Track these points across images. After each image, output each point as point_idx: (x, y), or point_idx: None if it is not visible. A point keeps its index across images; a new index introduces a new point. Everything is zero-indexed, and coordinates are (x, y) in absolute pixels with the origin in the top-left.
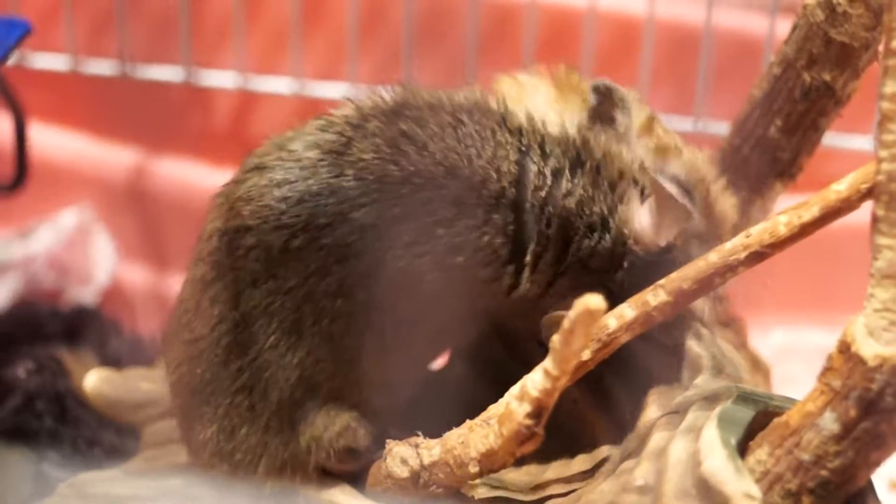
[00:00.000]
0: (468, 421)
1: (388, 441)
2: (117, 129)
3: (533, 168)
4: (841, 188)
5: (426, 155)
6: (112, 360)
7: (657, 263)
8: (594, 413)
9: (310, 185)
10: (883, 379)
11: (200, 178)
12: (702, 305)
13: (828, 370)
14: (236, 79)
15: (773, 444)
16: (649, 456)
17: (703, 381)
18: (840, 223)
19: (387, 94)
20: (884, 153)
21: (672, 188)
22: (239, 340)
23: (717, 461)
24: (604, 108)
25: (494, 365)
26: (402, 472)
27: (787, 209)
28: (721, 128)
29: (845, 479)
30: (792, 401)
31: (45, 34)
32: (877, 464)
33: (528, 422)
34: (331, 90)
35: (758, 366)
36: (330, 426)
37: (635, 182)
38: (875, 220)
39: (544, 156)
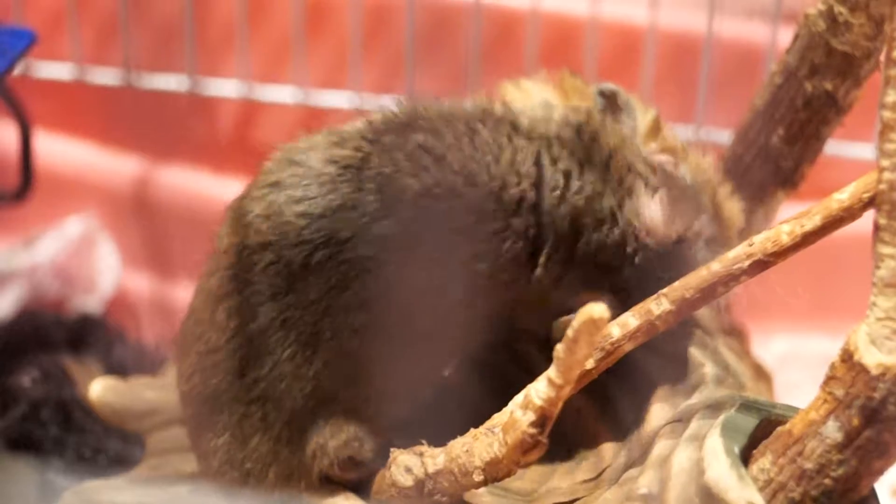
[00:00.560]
0: (472, 430)
1: (392, 450)
2: (122, 137)
3: (549, 170)
4: (843, 197)
5: (445, 166)
6: (117, 369)
7: (668, 259)
8: (598, 422)
9: (330, 200)
10: (886, 388)
11: (205, 187)
12: (705, 314)
13: (830, 379)
14: (240, 88)
15: (777, 452)
16: (653, 464)
17: (707, 390)
18: (843, 231)
19: (397, 107)
20: (885, 162)
21: (672, 181)
22: (255, 352)
23: (721, 470)
24: (609, 112)
25: (498, 373)
26: (407, 481)
27: (789, 218)
28: (723, 136)
29: (848, 487)
30: (795, 409)
31: (50, 43)
32: (880, 472)
33: (533, 430)
34: (334, 99)
35: (761, 374)
36: (336, 435)
37: (643, 176)
38: (877, 228)
39: (554, 157)
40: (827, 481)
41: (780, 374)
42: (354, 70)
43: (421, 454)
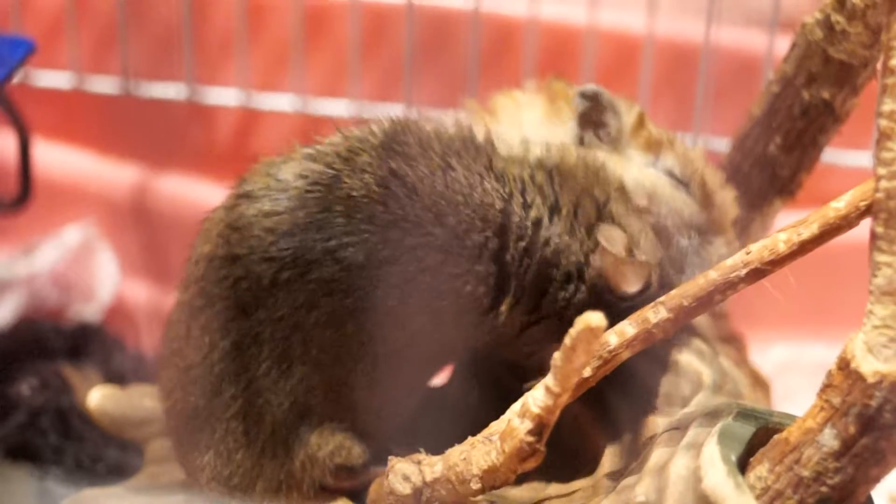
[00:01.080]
0: (470, 437)
1: (390, 458)
2: (120, 146)
3: (515, 218)
4: (840, 206)
5: (415, 199)
6: (115, 377)
7: (634, 308)
8: (595, 429)
9: (298, 217)
10: (882, 395)
11: (203, 195)
12: (702, 322)
13: (827, 387)
14: (239, 96)
15: (774, 460)
16: (650, 472)
17: (704, 398)
18: (841, 239)
19: (377, 126)
20: (882, 171)
21: (621, 244)
22: (231, 368)
23: (718, 477)
24: (593, 113)
25: (495, 381)
26: (405, 489)
27: (786, 227)
28: (721, 144)
29: (845, 495)
30: (792, 417)
31: (48, 52)
32: (876, 480)
33: (530, 438)
34: (333, 107)
35: (758, 381)
36: (324, 445)
37: (611, 218)
38: (874, 237)
39: (525, 205)
40: (824, 489)
41: (777, 381)
42: (353, 78)
43: (419, 462)
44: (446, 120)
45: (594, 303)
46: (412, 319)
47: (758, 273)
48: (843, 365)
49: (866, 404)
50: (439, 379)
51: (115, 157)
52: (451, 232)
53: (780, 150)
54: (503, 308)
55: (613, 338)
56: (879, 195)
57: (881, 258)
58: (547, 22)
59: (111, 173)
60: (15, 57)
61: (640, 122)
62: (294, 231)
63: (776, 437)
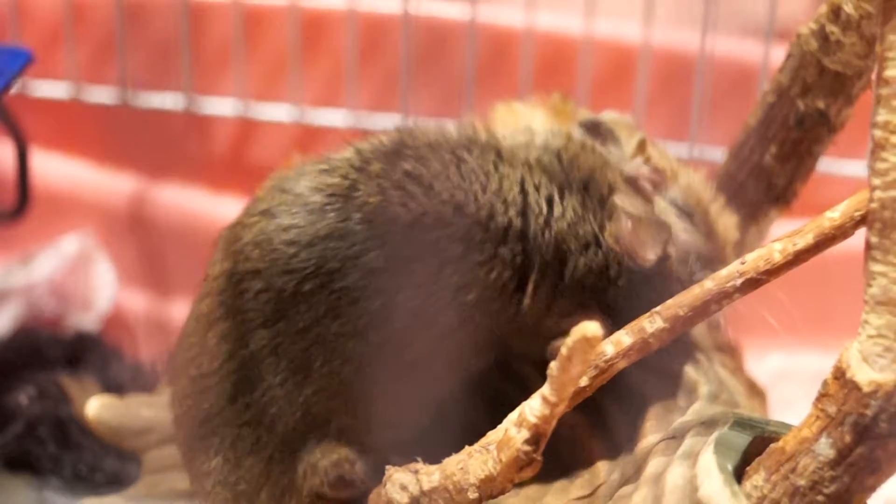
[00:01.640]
0: (467, 447)
1: (387, 467)
2: (118, 156)
3: (532, 196)
4: (835, 215)
5: (433, 195)
6: (113, 387)
7: (652, 278)
8: (592, 439)
9: (318, 229)
10: (877, 405)
11: (201, 205)
12: (698, 331)
13: (823, 396)
14: (236, 106)
15: (770, 469)
16: (647, 481)
17: (700, 407)
18: (836, 248)
19: (384, 136)
20: (877, 181)
21: (638, 208)
22: (247, 378)
23: (714, 486)
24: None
25: (493, 390)
26: (402, 499)
27: (782, 236)
28: (716, 153)
29: None
30: (788, 426)
31: (46, 62)
32: (872, 489)
33: (527, 448)
34: (330, 117)
35: (754, 390)
36: (327, 455)
37: (622, 195)
38: (869, 247)
39: (536, 184)
40: (819, 498)
41: (774, 390)
42: (350, 88)
43: (416, 471)
44: (449, 125)
45: (612, 271)
46: (440, 316)
47: (753, 283)
48: (839, 374)
49: (862, 413)
50: None
51: (112, 167)
52: (472, 220)
53: (775, 159)
54: (529, 286)
55: (610, 347)
56: (874, 205)
57: (876, 268)
58: (543, 32)
59: (109, 183)
60: (13, 67)
61: (641, 149)
62: (315, 242)
63: (772, 446)
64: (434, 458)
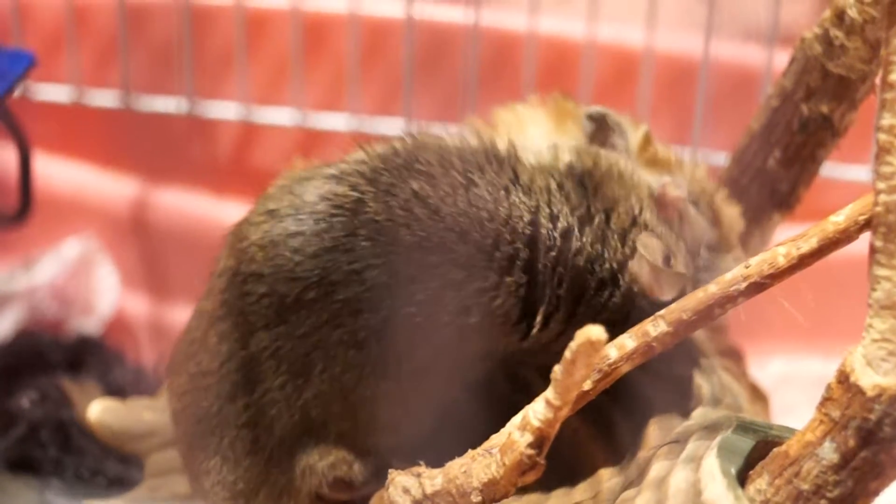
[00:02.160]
0: (470, 450)
1: (390, 471)
2: (121, 159)
3: (543, 230)
4: (839, 220)
5: (437, 220)
6: (115, 390)
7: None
8: (595, 442)
9: (323, 240)
10: (881, 409)
11: (203, 209)
12: (701, 335)
13: (827, 400)
14: (238, 110)
15: (773, 473)
16: (650, 485)
17: (703, 411)
18: (840, 252)
19: (397, 143)
20: (881, 185)
21: (659, 253)
22: (246, 378)
23: (718, 490)
24: (599, 135)
25: (495, 394)
26: (405, 502)
27: (785, 240)
28: (719, 158)
29: None
30: (791, 430)
31: (48, 66)
32: (876, 493)
33: (530, 451)
34: (332, 121)
35: (757, 395)
36: (325, 456)
37: (646, 229)
38: (873, 251)
39: (552, 216)
40: (823, 502)
41: (777, 394)
42: (352, 92)
43: (419, 475)
44: (467, 133)
45: (628, 307)
46: (438, 336)
47: (757, 287)
48: (843, 378)
49: (866, 418)
50: None
51: (115, 170)
52: (475, 248)
53: (778, 164)
54: (538, 318)
55: (613, 351)
56: (878, 209)
57: (880, 272)
58: (546, 36)
59: (111, 187)
60: (15, 71)
61: (647, 142)
62: (319, 252)
63: (775, 450)
64: (437, 461)
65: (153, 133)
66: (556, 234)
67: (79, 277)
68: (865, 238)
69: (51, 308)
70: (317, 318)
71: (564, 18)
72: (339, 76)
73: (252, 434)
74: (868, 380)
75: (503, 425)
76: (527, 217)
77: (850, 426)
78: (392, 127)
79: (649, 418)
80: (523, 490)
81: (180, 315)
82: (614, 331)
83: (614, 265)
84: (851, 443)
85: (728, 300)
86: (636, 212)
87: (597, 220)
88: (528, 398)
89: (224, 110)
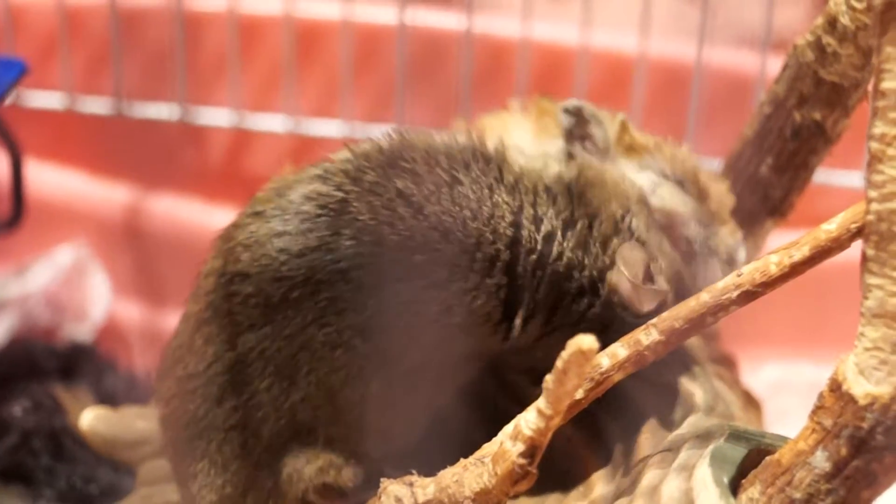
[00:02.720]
0: (462, 460)
1: (382, 480)
2: (113, 166)
3: (525, 231)
4: (831, 228)
5: (421, 218)
6: (107, 398)
7: (647, 319)
8: (588, 451)
9: (308, 239)
10: (874, 417)
11: (195, 216)
12: (694, 343)
13: (819, 409)
14: (231, 116)
15: (766, 482)
16: (643, 494)
17: (696, 419)
18: (833, 259)
19: (383, 141)
20: (873, 193)
21: (639, 267)
22: (234, 381)
23: (710, 500)
24: (577, 127)
25: (487, 403)
26: None
27: (778, 249)
28: (713, 164)
29: None
30: (784, 439)
31: (41, 73)
32: (868, 502)
33: (522, 461)
34: (325, 128)
35: (750, 402)
36: (313, 461)
37: (629, 234)
38: (865, 259)
39: (536, 218)
40: None
41: (770, 402)
42: (345, 99)
43: (411, 484)
44: (457, 132)
45: (608, 316)
46: (422, 335)
47: (749, 295)
48: (835, 387)
49: (858, 426)
50: None
51: (107, 177)
52: (458, 247)
53: (771, 171)
54: (517, 321)
55: (605, 360)
56: (870, 218)
57: (872, 280)
58: (539, 42)
59: (103, 194)
60: (7, 78)
61: (624, 130)
62: (305, 252)
63: (768, 458)
64: (429, 470)
65: (145, 140)
66: (539, 237)
67: (71, 284)
68: (858, 246)
69: (43, 315)
70: (302, 318)
71: (558, 24)
72: (331, 83)
73: (240, 437)
74: (860, 388)
75: (494, 432)
76: (508, 217)
77: (843, 435)
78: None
79: (642, 427)
80: (516, 499)
81: (172, 322)
82: (598, 339)
83: (594, 273)
84: (844, 451)
85: (720, 308)
86: (619, 217)
87: (579, 225)
88: (521, 407)
89: (217, 117)
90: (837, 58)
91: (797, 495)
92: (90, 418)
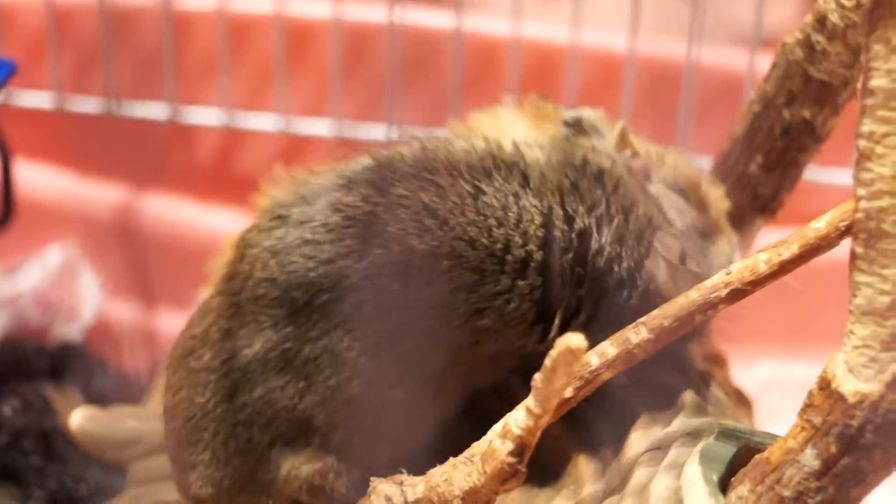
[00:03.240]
0: (452, 458)
1: (371, 479)
2: (103, 166)
3: (558, 230)
4: (820, 226)
5: (447, 230)
6: (98, 398)
7: None
8: (577, 449)
9: (337, 248)
10: (863, 415)
11: (186, 215)
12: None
13: (808, 406)
14: (221, 116)
15: (755, 480)
16: (632, 492)
17: (686, 417)
18: (824, 256)
19: (405, 149)
20: (861, 191)
21: (676, 251)
22: (248, 378)
23: (699, 498)
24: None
25: (477, 401)
26: None
27: (767, 247)
28: (703, 162)
29: None
30: (774, 436)
31: (30, 72)
32: (858, 500)
33: (511, 459)
34: (315, 127)
35: (741, 400)
36: (313, 462)
37: (660, 229)
38: (854, 257)
39: (567, 217)
40: None
41: (761, 399)
42: (335, 98)
43: (401, 483)
44: (475, 141)
45: (644, 307)
46: (451, 340)
47: (738, 293)
48: (824, 385)
49: (847, 424)
50: None
51: (97, 177)
52: (484, 253)
53: (761, 169)
54: (556, 321)
55: (595, 358)
56: (859, 215)
57: (861, 278)
58: (530, 41)
59: (93, 193)
60: None
61: (623, 139)
62: (333, 259)
63: (757, 456)
64: (418, 469)
65: (136, 140)
66: (573, 236)
67: (62, 284)
68: (847, 244)
69: (34, 315)
70: (327, 323)
71: (548, 23)
72: (322, 82)
73: (246, 433)
74: (849, 386)
75: (483, 430)
76: (538, 220)
77: (832, 433)
78: (375, 133)
79: (631, 425)
80: (505, 498)
81: (163, 322)
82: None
83: (632, 264)
84: (833, 449)
85: (709, 306)
86: (651, 209)
87: (616, 220)
88: (510, 406)
89: (207, 116)
90: (826, 56)
91: (787, 493)
92: (80, 418)
